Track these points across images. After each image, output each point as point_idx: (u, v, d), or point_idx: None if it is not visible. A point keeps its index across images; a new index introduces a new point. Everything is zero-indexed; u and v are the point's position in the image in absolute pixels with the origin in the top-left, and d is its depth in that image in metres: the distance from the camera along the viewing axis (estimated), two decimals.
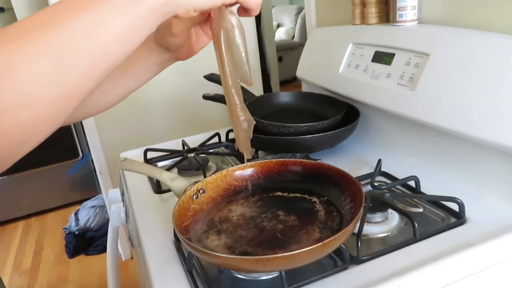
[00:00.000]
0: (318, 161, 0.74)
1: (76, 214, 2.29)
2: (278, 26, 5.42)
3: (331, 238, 0.48)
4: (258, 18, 2.16)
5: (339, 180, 0.63)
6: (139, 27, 0.34)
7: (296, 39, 5.10)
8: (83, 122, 1.83)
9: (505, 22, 0.70)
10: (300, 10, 5.24)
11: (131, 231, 0.86)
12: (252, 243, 0.56)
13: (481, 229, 0.60)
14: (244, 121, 0.50)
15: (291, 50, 4.78)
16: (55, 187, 2.62)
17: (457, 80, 0.68)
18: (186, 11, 0.37)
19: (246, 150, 0.52)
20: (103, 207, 2.29)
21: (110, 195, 0.93)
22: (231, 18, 0.44)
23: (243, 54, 0.46)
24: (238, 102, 0.48)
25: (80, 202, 2.55)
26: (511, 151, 0.62)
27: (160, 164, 1.00)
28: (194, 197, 0.64)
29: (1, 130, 0.28)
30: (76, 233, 2.20)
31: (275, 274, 0.57)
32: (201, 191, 0.66)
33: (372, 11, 0.92)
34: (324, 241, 0.47)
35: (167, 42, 0.50)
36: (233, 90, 0.48)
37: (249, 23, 1.92)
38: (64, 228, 2.27)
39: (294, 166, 0.69)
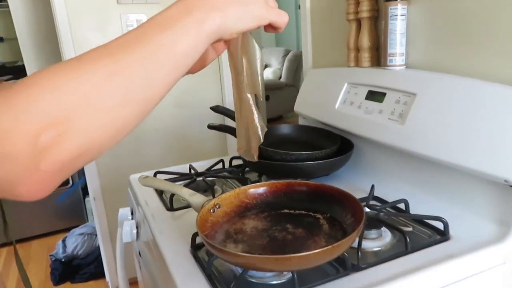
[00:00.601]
0: None
1: (63, 241, 2.29)
2: (266, 66, 5.63)
3: (340, 242, 0.56)
4: None
5: (341, 199, 0.71)
6: (198, 46, 0.41)
7: (282, 79, 5.30)
8: None
9: (475, 68, 0.83)
10: (287, 52, 5.46)
11: (142, 247, 0.92)
12: (267, 249, 0.64)
13: (463, 244, 0.69)
14: (259, 127, 0.56)
15: (278, 90, 4.95)
16: (42, 214, 2.61)
17: (440, 116, 0.79)
18: (230, 34, 0.44)
19: (256, 152, 0.58)
20: (91, 234, 2.30)
21: (120, 213, 0.99)
22: (253, 41, 0.51)
23: (259, 71, 0.53)
24: (255, 110, 0.55)
25: (66, 230, 2.55)
26: (488, 177, 0.72)
27: None
28: (212, 210, 0.72)
29: (103, 125, 0.35)
30: (63, 260, 2.19)
31: (285, 279, 0.64)
32: (217, 206, 0.73)
33: (365, 55, 1.05)
34: (334, 244, 0.55)
35: None
36: (250, 101, 0.55)
37: None
38: (50, 255, 2.26)
39: (299, 187, 0.78)
